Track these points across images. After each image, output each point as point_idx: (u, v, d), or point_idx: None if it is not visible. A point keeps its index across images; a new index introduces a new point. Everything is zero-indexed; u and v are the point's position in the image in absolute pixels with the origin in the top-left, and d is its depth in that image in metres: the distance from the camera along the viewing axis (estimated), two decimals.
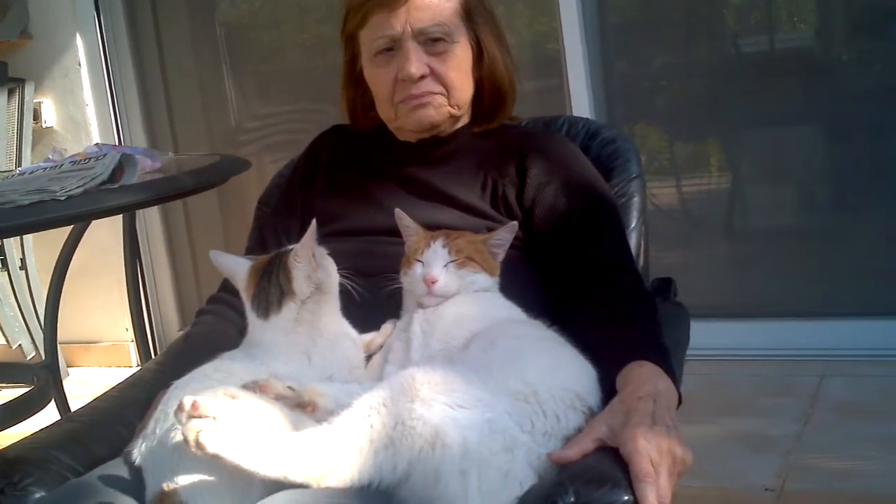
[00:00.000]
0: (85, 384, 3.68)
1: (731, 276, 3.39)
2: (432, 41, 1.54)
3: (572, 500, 1.06)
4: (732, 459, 2.44)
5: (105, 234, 3.47)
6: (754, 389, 2.88)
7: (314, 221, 1.37)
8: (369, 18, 1.57)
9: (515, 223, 1.46)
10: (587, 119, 1.83)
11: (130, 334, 3.89)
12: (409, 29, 1.53)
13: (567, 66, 3.23)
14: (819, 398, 2.77)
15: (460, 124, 1.64)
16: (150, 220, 4.00)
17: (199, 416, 1.09)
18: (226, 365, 1.34)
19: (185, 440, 1.08)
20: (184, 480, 1.15)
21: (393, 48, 1.55)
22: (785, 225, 3.35)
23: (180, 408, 1.11)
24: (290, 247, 1.38)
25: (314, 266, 1.36)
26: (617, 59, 3.41)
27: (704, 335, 2.88)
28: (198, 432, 1.07)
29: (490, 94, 1.63)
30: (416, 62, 1.54)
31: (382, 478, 1.10)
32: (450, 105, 1.58)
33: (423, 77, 1.55)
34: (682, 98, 3.43)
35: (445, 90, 1.57)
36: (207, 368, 1.33)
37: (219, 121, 4.01)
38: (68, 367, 3.91)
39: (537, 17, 3.47)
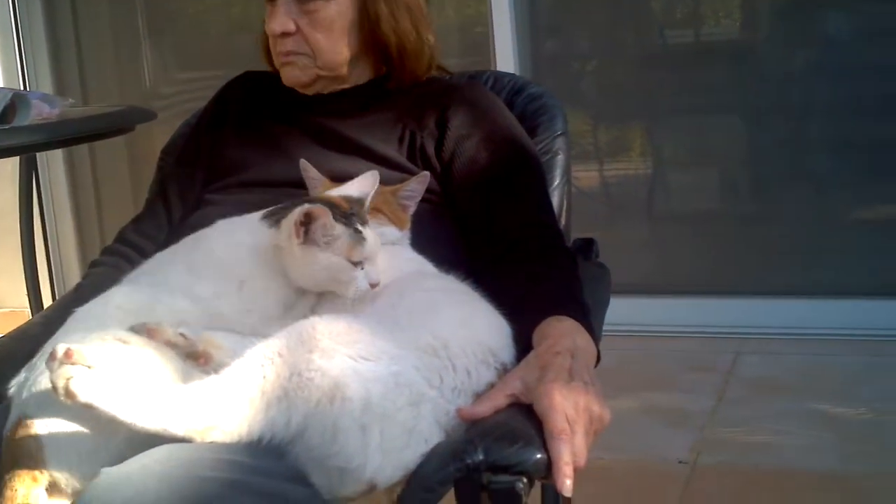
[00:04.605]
0: None
1: (652, 256, 3.41)
2: None
3: (481, 457, 0.98)
4: (648, 433, 2.42)
5: (4, 197, 3.32)
6: (672, 365, 2.87)
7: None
8: None
9: (427, 174, 1.40)
10: (513, 74, 1.77)
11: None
12: None
13: (495, 50, 3.20)
14: (734, 374, 2.77)
15: (358, 80, 1.57)
16: (56, 177, 3.85)
17: (73, 364, 1.00)
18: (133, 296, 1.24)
19: (54, 388, 0.99)
20: (43, 415, 1.06)
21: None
22: (705, 207, 3.38)
23: (52, 356, 1.01)
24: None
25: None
26: (544, 43, 3.40)
27: (624, 311, 2.89)
28: (68, 379, 0.98)
29: (376, 54, 1.56)
30: (281, 18, 1.48)
31: (275, 433, 1.02)
32: (317, 67, 1.52)
33: (288, 34, 1.49)
34: (608, 83, 3.44)
35: (312, 51, 1.51)
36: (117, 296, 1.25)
37: (134, 82, 3.88)
38: None
39: (466, 1, 3.46)
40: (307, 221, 1.17)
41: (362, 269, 1.19)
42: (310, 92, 1.56)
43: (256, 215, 1.27)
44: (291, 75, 1.54)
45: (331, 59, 1.52)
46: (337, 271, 1.19)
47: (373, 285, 1.19)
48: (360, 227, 1.20)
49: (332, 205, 1.20)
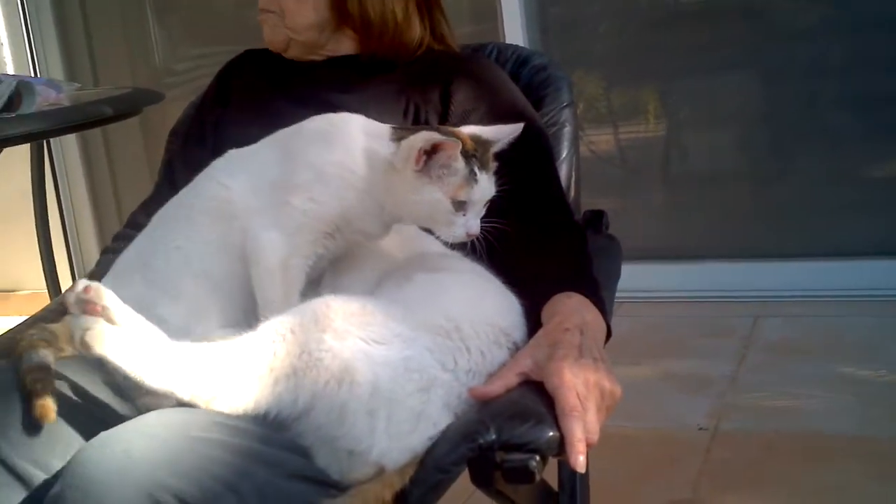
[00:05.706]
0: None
1: (668, 221, 3.37)
2: None
3: (494, 437, 0.98)
4: (667, 400, 2.41)
5: (21, 178, 3.32)
6: (690, 331, 2.86)
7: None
8: None
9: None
10: (517, 46, 1.74)
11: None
12: None
13: (502, 12, 3.16)
14: (753, 339, 2.75)
15: (338, 50, 1.56)
16: (70, 159, 3.84)
17: (92, 304, 1.03)
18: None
19: (71, 337, 1.01)
20: None
21: None
22: (721, 169, 3.33)
23: (71, 289, 1.04)
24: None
25: None
26: (553, 7, 3.35)
27: (641, 277, 2.88)
28: (85, 331, 1.00)
29: (351, 26, 1.55)
30: None
31: (281, 410, 1.03)
32: (286, 27, 1.54)
33: None
34: (620, 45, 3.39)
35: (281, 10, 1.53)
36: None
37: (144, 61, 3.86)
38: None
39: None
40: (432, 151, 1.13)
41: (464, 215, 1.16)
42: (289, 56, 1.57)
43: (387, 126, 1.24)
44: (265, 34, 1.57)
45: (296, 20, 1.53)
46: (438, 211, 1.15)
47: (470, 235, 1.16)
48: (476, 170, 1.16)
49: (459, 140, 1.15)
